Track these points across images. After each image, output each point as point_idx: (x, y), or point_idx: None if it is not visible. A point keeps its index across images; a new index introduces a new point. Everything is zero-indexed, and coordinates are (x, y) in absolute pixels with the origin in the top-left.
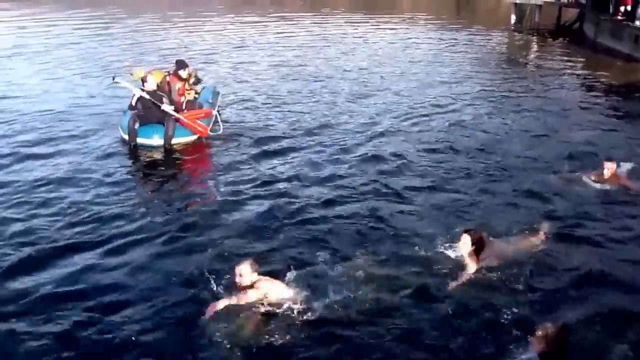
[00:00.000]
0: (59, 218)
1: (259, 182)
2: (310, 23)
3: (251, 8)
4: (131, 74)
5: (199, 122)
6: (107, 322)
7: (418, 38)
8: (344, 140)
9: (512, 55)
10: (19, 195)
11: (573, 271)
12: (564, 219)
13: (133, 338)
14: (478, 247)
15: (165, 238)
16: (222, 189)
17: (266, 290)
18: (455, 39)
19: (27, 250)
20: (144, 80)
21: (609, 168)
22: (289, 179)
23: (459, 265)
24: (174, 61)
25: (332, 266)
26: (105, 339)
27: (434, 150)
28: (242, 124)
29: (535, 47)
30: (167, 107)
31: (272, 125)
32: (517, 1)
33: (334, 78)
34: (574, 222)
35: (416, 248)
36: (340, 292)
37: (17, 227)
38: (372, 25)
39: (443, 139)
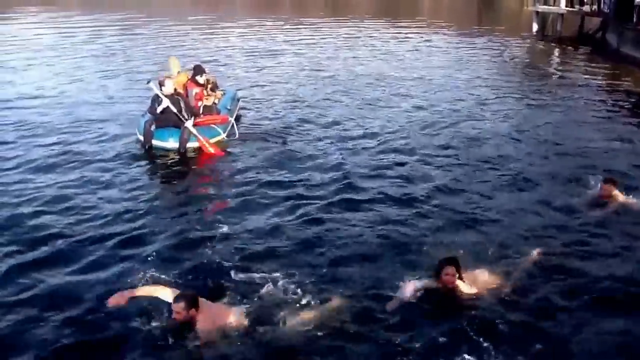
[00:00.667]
0: (70, 214)
1: (270, 187)
2: (332, 28)
3: (273, 13)
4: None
5: (215, 128)
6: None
7: (439, 45)
8: (359, 146)
9: (533, 64)
10: (33, 191)
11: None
12: (554, 245)
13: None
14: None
15: (169, 239)
16: (231, 194)
17: (203, 324)
18: (476, 46)
19: (42, 245)
20: (161, 84)
21: (605, 189)
22: (301, 185)
23: (434, 297)
24: (192, 67)
25: (300, 285)
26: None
27: (443, 157)
28: (258, 128)
29: (556, 55)
30: (189, 125)
31: (288, 130)
32: (539, 9)
33: (352, 82)
34: (561, 249)
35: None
36: (292, 318)
37: (29, 222)
38: (393, 31)
39: (453, 147)
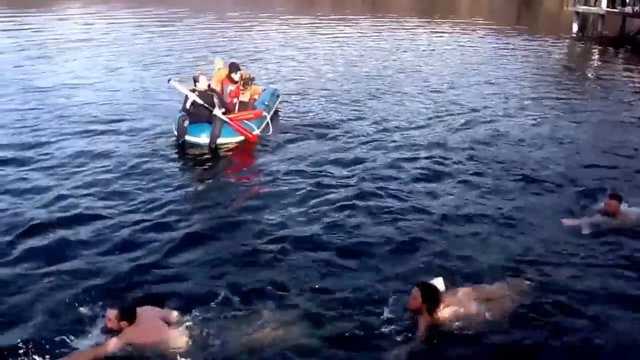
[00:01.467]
0: (100, 198)
1: (296, 186)
2: (369, 25)
3: (311, 10)
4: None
5: (248, 124)
6: None
7: (476, 43)
8: (390, 143)
9: (572, 64)
10: (67, 177)
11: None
12: (546, 263)
13: None
14: (431, 302)
15: (193, 231)
16: (260, 191)
17: (132, 339)
18: (514, 46)
19: (70, 224)
20: (195, 80)
21: (610, 205)
22: (330, 184)
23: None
24: (229, 64)
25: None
26: None
27: (472, 157)
28: (294, 124)
29: (596, 56)
30: (217, 112)
31: (324, 126)
32: (580, 10)
33: (388, 79)
34: (554, 268)
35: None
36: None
37: (61, 203)
38: (430, 29)
39: (479, 148)
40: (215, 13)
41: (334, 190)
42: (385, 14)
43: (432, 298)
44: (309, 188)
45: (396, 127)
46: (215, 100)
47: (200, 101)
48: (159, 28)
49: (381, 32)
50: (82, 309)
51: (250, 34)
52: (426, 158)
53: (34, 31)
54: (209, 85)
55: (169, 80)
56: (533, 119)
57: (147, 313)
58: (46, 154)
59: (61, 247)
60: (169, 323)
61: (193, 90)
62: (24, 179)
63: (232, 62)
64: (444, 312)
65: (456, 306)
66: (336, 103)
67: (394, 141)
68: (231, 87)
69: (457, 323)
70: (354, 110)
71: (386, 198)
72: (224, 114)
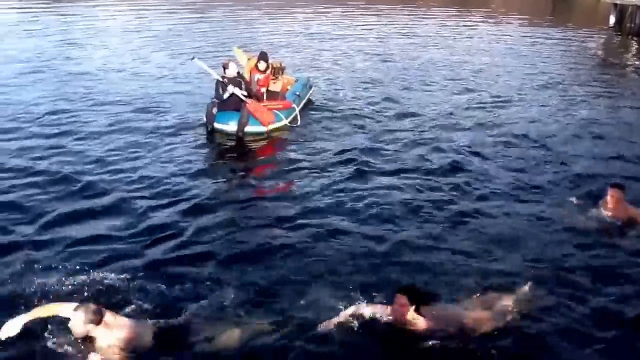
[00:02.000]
0: (125, 177)
1: (317, 178)
2: (402, 16)
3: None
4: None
5: (277, 113)
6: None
7: (509, 35)
8: (417, 134)
9: (609, 58)
10: (96, 160)
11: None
12: (545, 267)
13: None
14: (421, 302)
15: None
16: (282, 182)
17: (101, 344)
18: (548, 39)
19: (93, 198)
20: (225, 66)
21: (613, 195)
22: (356, 178)
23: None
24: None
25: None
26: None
27: (497, 152)
28: (322, 115)
29: (634, 50)
30: (237, 91)
31: (352, 118)
32: (617, 1)
33: (419, 69)
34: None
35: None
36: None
37: (87, 178)
38: (462, 19)
39: (511, 141)
40: (246, 1)
41: (360, 182)
42: (418, 5)
43: (420, 298)
44: (333, 180)
45: (426, 119)
46: (243, 87)
47: (239, 92)
48: (191, 15)
49: (413, 23)
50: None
51: (282, 23)
52: (457, 151)
53: (68, 19)
54: (238, 73)
55: (192, 58)
56: (568, 113)
57: (110, 314)
58: (77, 137)
59: (80, 224)
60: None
61: (223, 78)
62: (51, 158)
63: (261, 52)
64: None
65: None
66: (368, 94)
67: (424, 131)
68: (259, 76)
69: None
70: (386, 101)
71: (413, 190)
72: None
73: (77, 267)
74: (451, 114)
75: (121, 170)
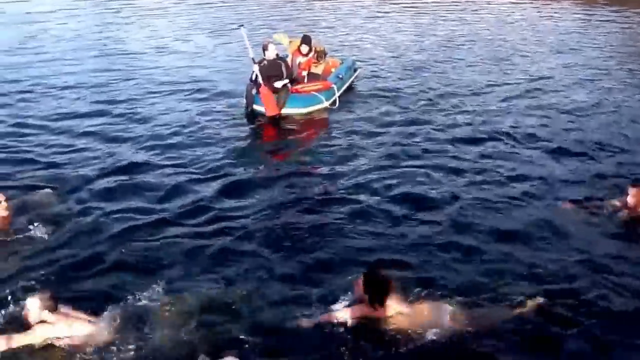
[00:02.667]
0: (164, 154)
1: (353, 160)
2: None
3: None
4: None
5: (317, 95)
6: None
7: (558, 14)
8: (458, 118)
9: None
10: (136, 137)
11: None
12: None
13: None
14: (375, 293)
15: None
16: (316, 163)
17: (49, 334)
18: (600, 18)
19: (130, 174)
20: (264, 48)
21: (633, 194)
22: (387, 162)
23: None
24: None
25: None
26: None
27: (535, 136)
28: (363, 99)
29: None
30: (257, 72)
31: (394, 100)
32: None
33: (464, 50)
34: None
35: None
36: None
37: (125, 159)
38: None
39: (547, 130)
40: None
41: (395, 166)
42: None
43: (376, 289)
44: (367, 162)
45: (470, 102)
46: (283, 69)
47: (258, 74)
48: None
49: (458, 1)
50: None
51: (325, 4)
52: (499, 136)
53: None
54: (277, 55)
55: (241, 26)
56: (617, 101)
57: (63, 307)
58: (119, 114)
59: (114, 194)
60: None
61: (261, 61)
62: (97, 133)
63: (304, 35)
64: (393, 311)
65: (412, 315)
66: (412, 75)
67: (466, 114)
68: (300, 59)
69: (406, 329)
70: (430, 82)
71: (451, 176)
72: (291, 83)
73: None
74: (497, 96)
75: (159, 147)
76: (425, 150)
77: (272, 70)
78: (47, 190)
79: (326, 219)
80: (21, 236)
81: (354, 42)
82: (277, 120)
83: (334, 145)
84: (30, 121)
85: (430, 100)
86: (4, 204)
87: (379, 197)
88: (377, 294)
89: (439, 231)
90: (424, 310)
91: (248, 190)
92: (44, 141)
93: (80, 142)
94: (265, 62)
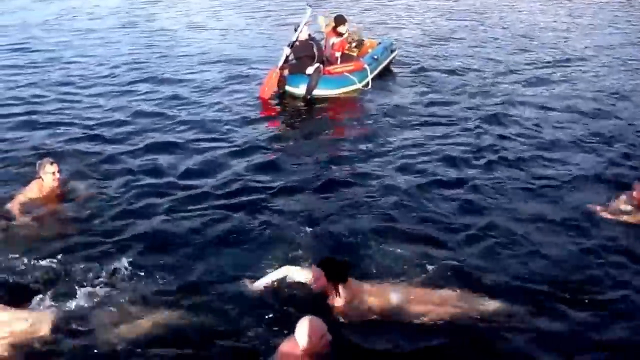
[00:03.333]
0: (195, 131)
1: (381, 150)
2: None
3: None
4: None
5: (348, 76)
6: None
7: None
8: (492, 101)
9: None
10: (165, 114)
11: None
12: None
13: None
14: (337, 279)
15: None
16: (345, 144)
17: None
18: None
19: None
20: (297, 29)
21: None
22: (417, 155)
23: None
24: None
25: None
26: None
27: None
28: (398, 81)
29: None
30: (285, 54)
31: (430, 84)
32: None
33: (507, 34)
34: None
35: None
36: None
37: (156, 136)
38: None
39: (571, 118)
40: None
41: (423, 150)
42: None
43: (338, 274)
44: (396, 143)
45: (503, 85)
46: (315, 50)
47: (282, 60)
48: None
49: None
50: None
51: None
52: (534, 121)
53: None
54: (309, 35)
55: (309, 6)
56: None
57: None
58: (152, 89)
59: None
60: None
61: (293, 43)
62: (131, 108)
63: (339, 15)
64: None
65: (374, 295)
66: (450, 55)
67: (501, 96)
68: (334, 40)
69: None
70: (468, 66)
71: (480, 159)
72: (322, 64)
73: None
74: (537, 78)
75: (189, 123)
76: (454, 136)
77: (304, 50)
78: (86, 161)
79: (347, 200)
80: (69, 205)
81: (395, 24)
82: (308, 101)
83: (362, 127)
84: (69, 96)
85: (467, 84)
86: (57, 174)
87: (403, 179)
88: (337, 272)
89: (448, 213)
90: (379, 291)
91: (274, 169)
92: (82, 114)
93: (117, 116)
94: (297, 42)
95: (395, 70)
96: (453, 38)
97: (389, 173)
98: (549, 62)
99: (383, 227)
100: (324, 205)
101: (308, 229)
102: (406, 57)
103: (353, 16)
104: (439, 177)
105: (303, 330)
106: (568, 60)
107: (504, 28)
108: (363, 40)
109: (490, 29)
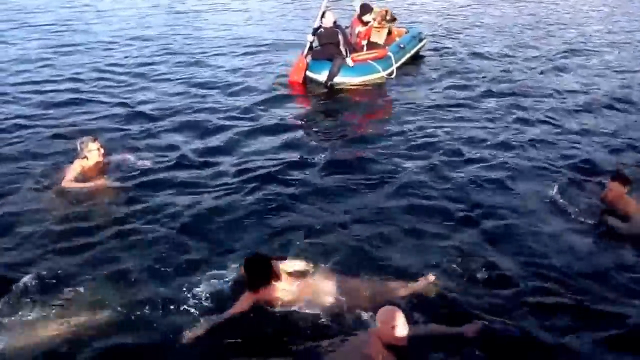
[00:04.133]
0: (214, 112)
1: (403, 140)
2: None
3: None
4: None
5: (372, 64)
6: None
7: None
8: (534, 110)
9: None
10: (191, 95)
11: None
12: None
13: None
14: (257, 276)
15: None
16: (364, 138)
17: None
18: None
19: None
20: (322, 15)
21: (612, 188)
22: (443, 149)
23: None
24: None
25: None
26: None
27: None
28: (422, 71)
29: None
30: (309, 42)
31: (457, 74)
32: None
33: (538, 29)
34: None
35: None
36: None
37: (177, 116)
38: None
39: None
40: None
41: (446, 140)
42: None
43: (256, 270)
44: (415, 134)
45: (540, 91)
46: (340, 37)
47: (307, 48)
48: None
49: None
50: None
51: None
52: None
53: None
54: (334, 22)
55: None
56: None
57: None
58: (184, 72)
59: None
60: None
61: (318, 28)
62: (151, 89)
63: (364, 3)
64: (280, 291)
65: (299, 291)
66: (479, 43)
67: (529, 88)
68: (359, 29)
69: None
70: (496, 54)
71: (506, 153)
72: (347, 52)
73: None
74: (557, 68)
75: (210, 105)
76: (477, 127)
77: (329, 37)
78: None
79: (363, 190)
80: (111, 181)
81: (425, 13)
82: (329, 88)
83: (383, 117)
84: (104, 74)
85: (494, 79)
86: (102, 150)
87: (419, 169)
88: (258, 275)
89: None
90: (313, 284)
91: (291, 155)
92: (118, 87)
93: (150, 96)
94: (322, 29)
95: (424, 60)
96: (481, 24)
97: (401, 159)
98: (578, 50)
99: (405, 206)
100: (335, 194)
101: (322, 213)
102: (436, 47)
103: (385, 4)
104: (454, 165)
105: (377, 316)
106: (600, 45)
107: (532, 14)
108: (395, 18)
109: (519, 15)
